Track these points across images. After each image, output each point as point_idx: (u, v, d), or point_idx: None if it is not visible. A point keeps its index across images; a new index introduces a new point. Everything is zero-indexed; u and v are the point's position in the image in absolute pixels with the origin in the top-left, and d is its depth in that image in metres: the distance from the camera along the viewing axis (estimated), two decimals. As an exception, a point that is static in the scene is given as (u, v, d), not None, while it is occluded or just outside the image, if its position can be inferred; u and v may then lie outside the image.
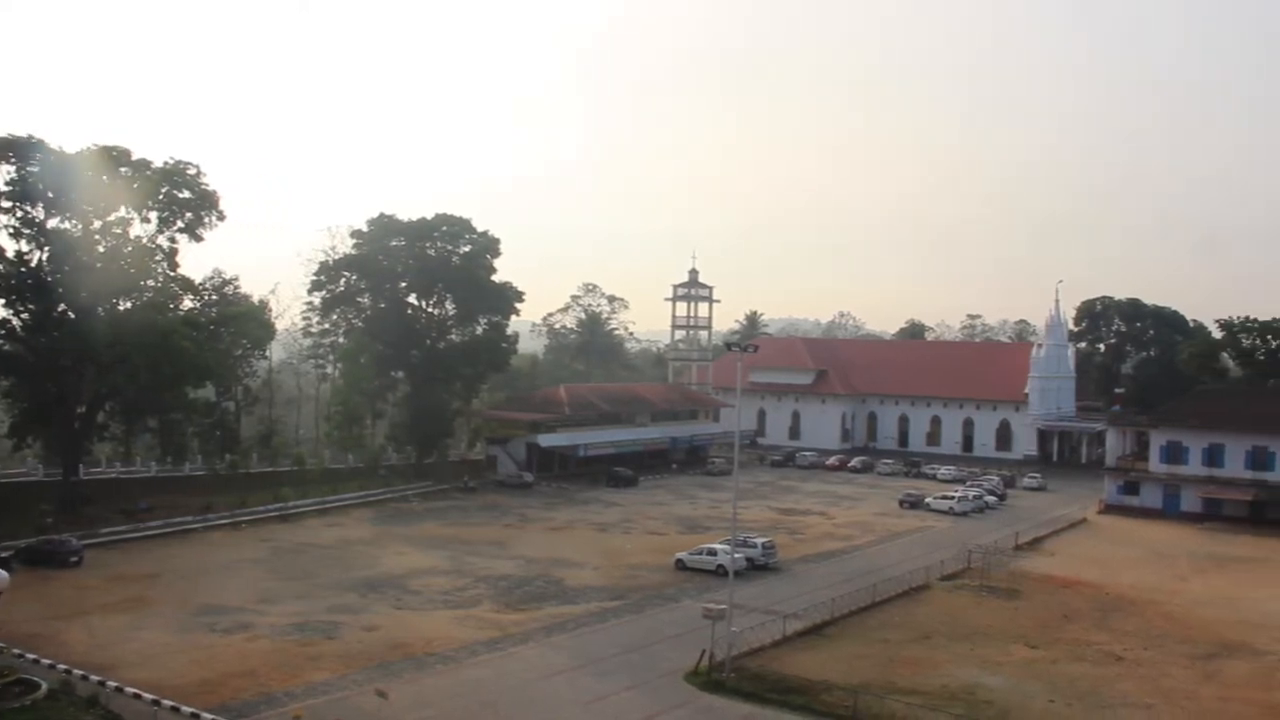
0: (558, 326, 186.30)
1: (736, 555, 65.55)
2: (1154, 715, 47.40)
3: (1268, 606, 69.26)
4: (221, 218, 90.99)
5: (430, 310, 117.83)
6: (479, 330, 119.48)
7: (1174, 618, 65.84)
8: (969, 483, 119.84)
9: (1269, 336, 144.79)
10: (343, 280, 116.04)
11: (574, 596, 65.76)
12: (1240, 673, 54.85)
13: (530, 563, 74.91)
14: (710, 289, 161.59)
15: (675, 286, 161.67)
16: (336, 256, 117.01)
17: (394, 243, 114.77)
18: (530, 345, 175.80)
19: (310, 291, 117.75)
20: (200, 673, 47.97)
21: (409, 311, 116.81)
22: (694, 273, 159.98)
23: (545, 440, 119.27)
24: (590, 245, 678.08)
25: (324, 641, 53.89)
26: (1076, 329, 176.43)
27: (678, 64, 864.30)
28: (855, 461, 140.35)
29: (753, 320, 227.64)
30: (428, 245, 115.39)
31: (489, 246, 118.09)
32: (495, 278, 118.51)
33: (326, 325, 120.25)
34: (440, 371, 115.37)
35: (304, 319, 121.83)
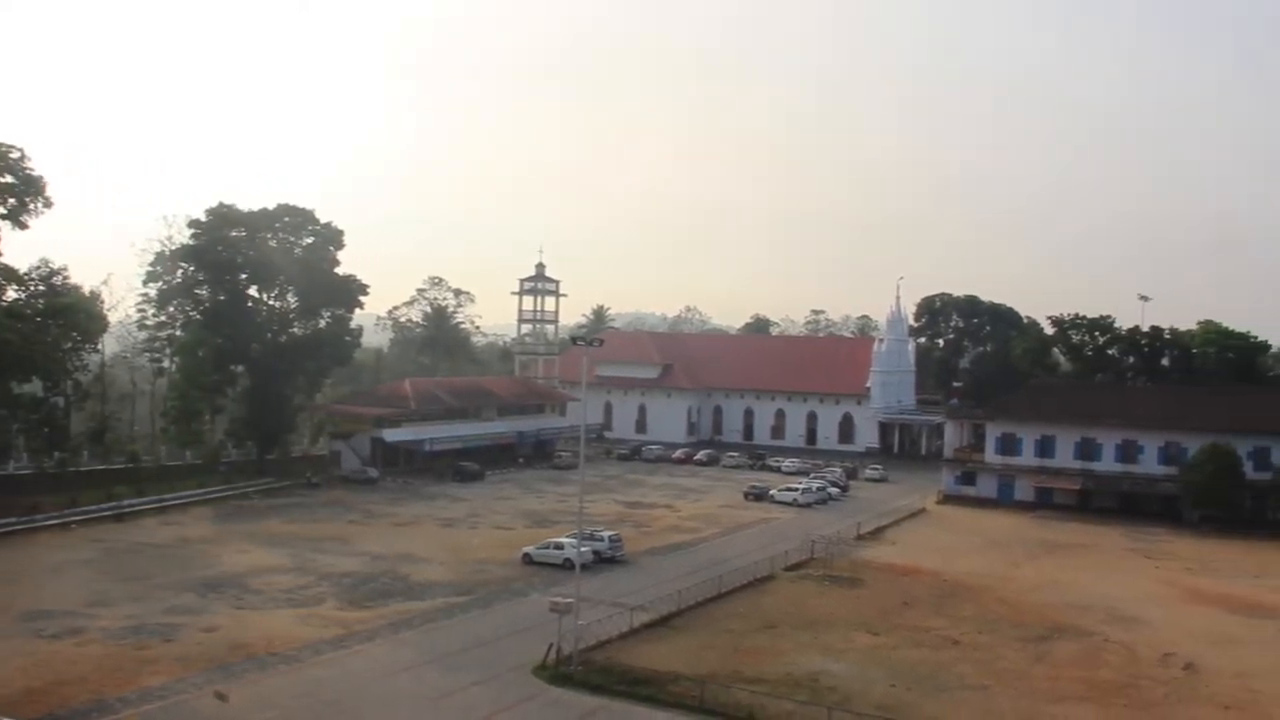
0: (403, 320, 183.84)
1: (583, 549, 65.69)
2: (989, 696, 49.10)
3: (1094, 590, 72.37)
4: (49, 205, 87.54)
5: (272, 303, 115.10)
6: (322, 323, 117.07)
7: (1008, 602, 68.31)
8: (812, 475, 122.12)
9: (1097, 333, 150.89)
10: (180, 271, 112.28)
11: (420, 592, 65.14)
12: (1068, 653, 57.24)
13: (375, 559, 73.90)
14: (557, 283, 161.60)
15: (522, 280, 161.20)
16: (173, 247, 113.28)
17: (234, 234, 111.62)
18: (375, 339, 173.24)
19: (145, 283, 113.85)
20: (26, 681, 45.98)
21: (249, 304, 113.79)
22: (541, 266, 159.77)
23: (390, 435, 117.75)
24: (437, 239, 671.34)
25: (160, 644, 52.24)
26: (916, 324, 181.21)
27: (523, 57, 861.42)
28: (701, 454, 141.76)
29: (599, 314, 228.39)
30: (269, 237, 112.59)
31: (332, 238, 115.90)
32: (339, 270, 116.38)
33: (163, 318, 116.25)
34: (282, 365, 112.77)
35: (139, 311, 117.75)
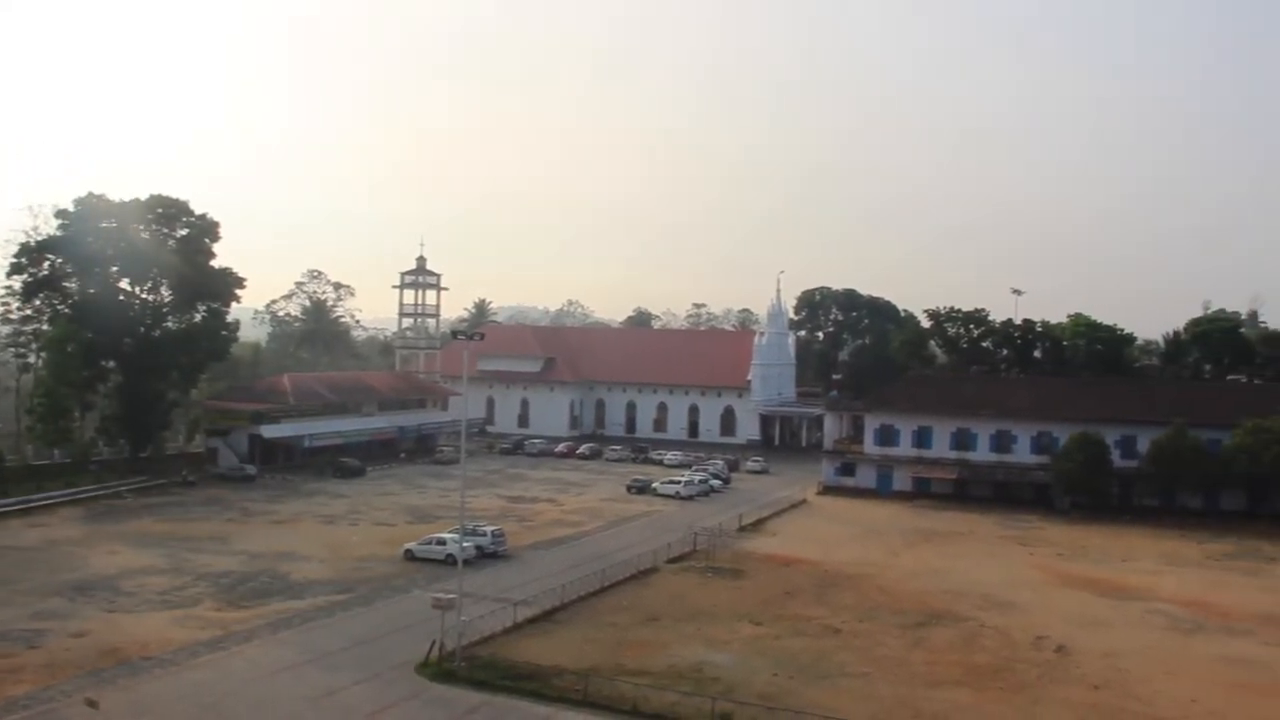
0: (281, 314, 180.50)
1: (466, 544, 65.38)
2: (869, 683, 49.95)
3: (969, 576, 74.06)
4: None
5: (144, 296, 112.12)
6: (197, 317, 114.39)
7: (887, 590, 69.54)
8: (695, 467, 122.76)
9: (972, 326, 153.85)
10: (47, 263, 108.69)
11: (300, 591, 64.09)
12: (945, 638, 58.54)
13: (254, 558, 72.49)
14: (438, 276, 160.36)
15: (403, 274, 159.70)
16: (40, 238, 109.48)
17: (104, 224, 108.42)
18: (253, 333, 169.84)
19: (9, 275, 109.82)
20: (-122, 694, 44.15)
21: (121, 298, 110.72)
22: (422, 260, 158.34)
23: (269, 431, 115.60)
24: (317, 232, 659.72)
25: (25, 651, 50.47)
26: (797, 318, 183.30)
27: (401, 46, 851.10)
28: (584, 448, 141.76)
29: (481, 308, 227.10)
30: (141, 228, 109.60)
31: (207, 230, 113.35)
32: (215, 263, 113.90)
33: (29, 311, 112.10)
34: (156, 360, 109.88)
35: (2, 305, 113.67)
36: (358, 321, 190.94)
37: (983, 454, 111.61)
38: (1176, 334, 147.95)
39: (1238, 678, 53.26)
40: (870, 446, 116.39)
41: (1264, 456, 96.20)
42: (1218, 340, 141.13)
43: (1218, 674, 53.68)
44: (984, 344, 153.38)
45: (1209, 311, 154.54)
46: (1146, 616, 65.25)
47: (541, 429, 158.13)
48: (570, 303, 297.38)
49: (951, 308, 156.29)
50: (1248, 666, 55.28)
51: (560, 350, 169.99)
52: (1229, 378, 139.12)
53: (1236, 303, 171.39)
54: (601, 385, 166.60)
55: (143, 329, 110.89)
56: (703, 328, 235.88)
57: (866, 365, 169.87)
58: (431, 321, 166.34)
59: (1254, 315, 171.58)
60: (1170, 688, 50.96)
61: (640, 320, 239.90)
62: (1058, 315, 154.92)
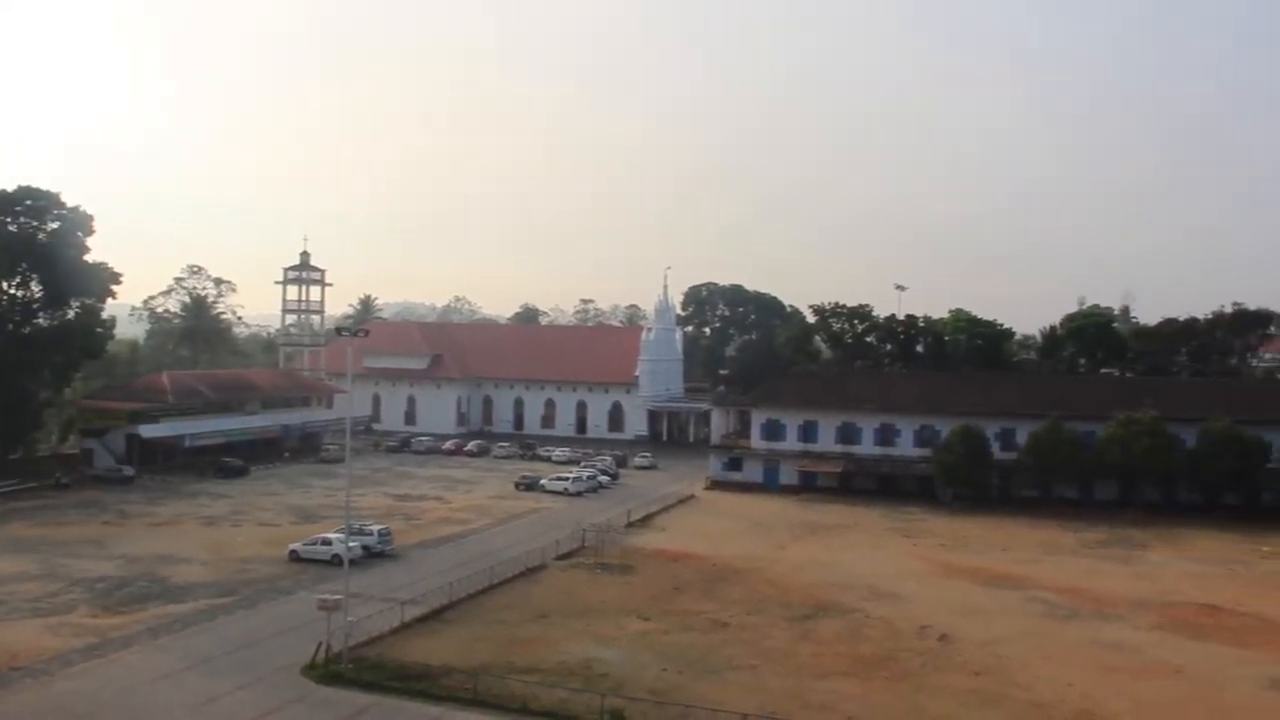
0: (160, 310, 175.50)
1: (352, 544, 64.57)
2: (757, 675, 50.45)
3: (855, 569, 75.12)
4: None
5: (13, 292, 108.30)
6: (70, 314, 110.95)
7: (774, 583, 70.25)
8: (583, 464, 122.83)
9: (856, 321, 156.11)
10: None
11: (181, 594, 62.59)
12: (832, 630, 59.37)
13: (132, 561, 70.60)
14: (322, 272, 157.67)
15: (286, 269, 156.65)
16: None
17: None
18: (130, 330, 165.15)
19: None
20: None
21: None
22: (305, 255, 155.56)
23: (147, 431, 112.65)
24: (196, 227, 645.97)
25: (-115, 666, 48.48)
26: (684, 314, 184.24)
27: (279, 38, 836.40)
28: (471, 445, 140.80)
29: (367, 304, 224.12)
30: (9, 221, 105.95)
31: (80, 223, 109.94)
32: (89, 257, 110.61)
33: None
34: (26, 358, 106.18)
35: None
36: (240, 318, 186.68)
37: (867, 447, 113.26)
38: (1053, 329, 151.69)
39: (1111, 661, 54.92)
40: (757, 441, 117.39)
41: (1135, 448, 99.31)
42: (1092, 335, 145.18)
43: (1092, 658, 55.33)
44: (868, 339, 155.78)
45: (1084, 308, 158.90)
46: (1025, 604, 66.89)
47: (428, 426, 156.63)
48: (457, 299, 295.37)
49: (836, 303, 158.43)
50: (1120, 650, 57.01)
51: (447, 347, 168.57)
52: (1102, 371, 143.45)
53: (1110, 299, 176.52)
54: (489, 382, 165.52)
55: (11, 326, 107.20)
56: (590, 324, 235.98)
57: (753, 361, 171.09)
58: (316, 318, 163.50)
59: (1126, 311, 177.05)
60: (1048, 672, 52.39)
61: (528, 316, 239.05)
62: (939, 311, 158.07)
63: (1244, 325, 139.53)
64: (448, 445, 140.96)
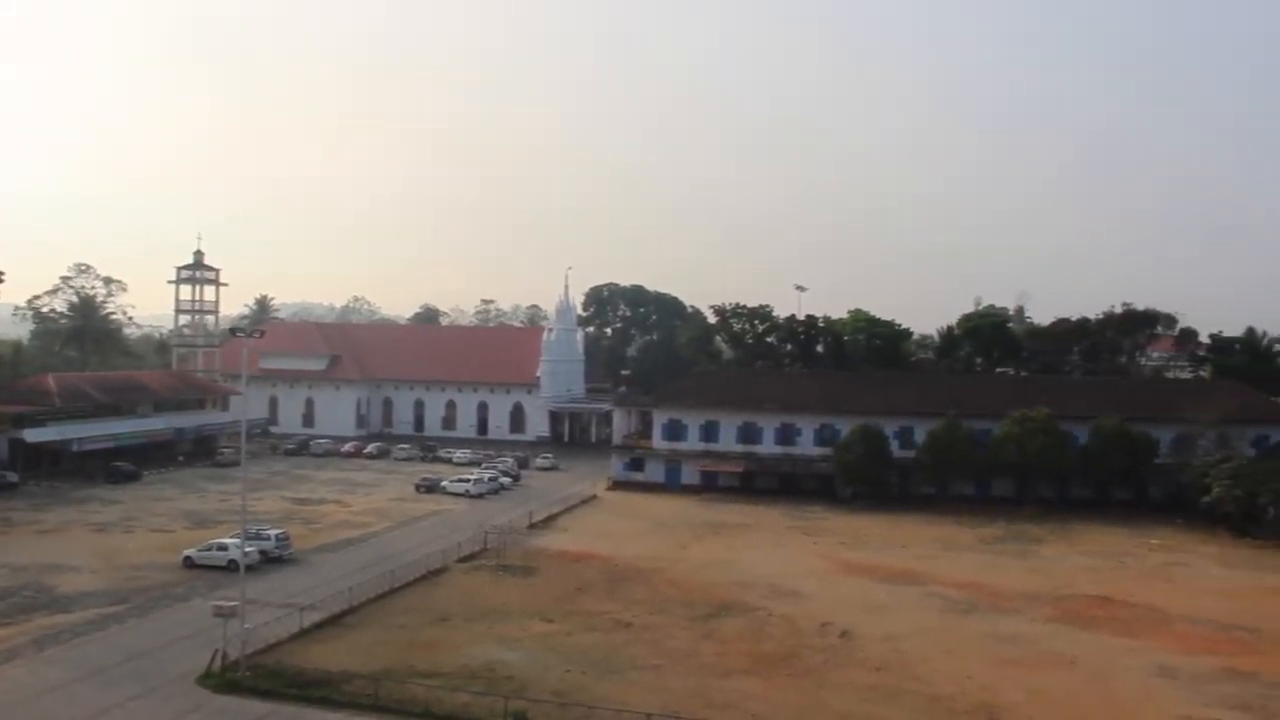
0: (45, 310, 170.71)
1: (249, 548, 63.40)
2: (661, 675, 50.45)
3: (757, 568, 75.59)
4: None
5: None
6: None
7: (677, 583, 70.38)
8: (484, 465, 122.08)
9: (756, 321, 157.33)
10: None
11: (69, 604, 60.73)
12: (735, 628, 59.64)
13: (16, 571, 68.26)
14: (217, 271, 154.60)
15: (179, 268, 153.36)
16: None
17: None
18: (13, 330, 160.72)
19: None
20: None
21: None
22: (199, 254, 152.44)
23: (32, 435, 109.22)
24: (84, 225, 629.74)
25: None
26: (585, 314, 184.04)
27: (170, 34, 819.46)
28: (371, 447, 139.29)
29: (263, 304, 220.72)
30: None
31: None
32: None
33: None
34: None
35: None
36: (131, 319, 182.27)
37: (768, 447, 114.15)
38: (950, 329, 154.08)
39: (1008, 654, 56.04)
40: (659, 441, 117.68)
41: (1029, 445, 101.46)
42: (987, 335, 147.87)
43: (989, 651, 56.38)
44: (768, 339, 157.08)
45: (980, 308, 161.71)
46: (924, 600, 67.89)
47: (327, 428, 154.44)
48: (356, 299, 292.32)
49: (737, 304, 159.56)
50: (1016, 643, 58.16)
51: (346, 348, 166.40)
52: (998, 370, 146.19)
53: (1005, 299, 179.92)
54: (389, 383, 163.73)
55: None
56: (491, 324, 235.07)
57: (655, 361, 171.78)
58: (210, 318, 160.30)
59: (1020, 311, 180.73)
60: (947, 666, 53.22)
61: (428, 317, 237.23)
62: (839, 311, 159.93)
63: (1133, 325, 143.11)
64: (347, 447, 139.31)
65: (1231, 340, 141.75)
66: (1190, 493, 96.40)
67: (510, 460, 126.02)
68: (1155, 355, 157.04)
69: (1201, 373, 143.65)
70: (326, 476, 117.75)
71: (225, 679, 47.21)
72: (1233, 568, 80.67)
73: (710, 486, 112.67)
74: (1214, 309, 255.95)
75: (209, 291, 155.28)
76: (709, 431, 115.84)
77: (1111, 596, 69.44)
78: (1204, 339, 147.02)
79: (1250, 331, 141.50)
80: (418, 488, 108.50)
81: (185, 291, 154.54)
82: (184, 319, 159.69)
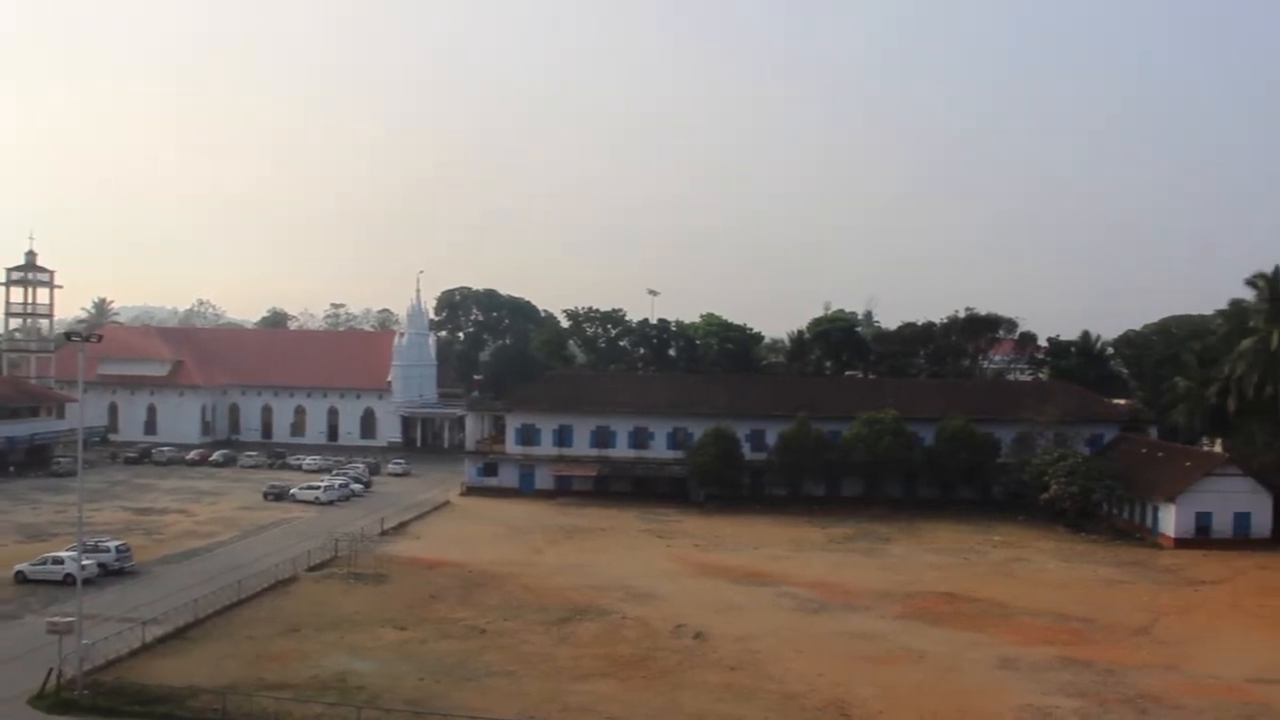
0: None
1: (87, 561, 61.15)
2: (516, 681, 50.22)
3: (611, 571, 75.81)
4: None
5: None
6: None
7: (531, 588, 70.14)
8: (335, 472, 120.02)
9: (609, 325, 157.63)
10: None
11: (-112, 625, 57.82)
12: (590, 632, 59.71)
13: None
14: (51, 273, 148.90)
15: (9, 269, 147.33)
16: None
17: None
18: None
19: None
20: None
21: None
22: (31, 254, 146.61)
23: None
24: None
25: None
26: (437, 318, 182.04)
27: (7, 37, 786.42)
28: (217, 455, 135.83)
29: (101, 308, 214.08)
30: None
31: None
32: None
33: None
34: None
35: None
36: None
37: (622, 450, 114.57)
38: (800, 333, 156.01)
39: (858, 650, 57.21)
40: (512, 446, 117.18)
41: (877, 446, 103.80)
42: (837, 338, 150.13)
43: (841, 648, 57.50)
44: (622, 343, 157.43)
45: (829, 312, 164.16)
46: (777, 599, 68.85)
47: (171, 436, 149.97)
48: (201, 303, 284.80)
49: (590, 308, 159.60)
50: (866, 639, 59.43)
51: (190, 353, 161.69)
52: (847, 373, 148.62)
53: (854, 303, 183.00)
54: (235, 389, 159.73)
55: None
56: (342, 328, 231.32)
57: (508, 365, 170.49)
58: (44, 322, 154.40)
59: (869, 315, 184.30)
60: (799, 665, 54.03)
61: (275, 320, 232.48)
62: (692, 315, 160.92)
63: (976, 329, 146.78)
64: (192, 455, 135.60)
65: (1068, 344, 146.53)
66: (1030, 490, 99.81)
67: (361, 466, 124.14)
68: (997, 358, 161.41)
69: (1040, 375, 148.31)
70: (170, 485, 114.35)
71: (60, 698, 45.41)
72: (1069, 561, 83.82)
73: (564, 490, 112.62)
74: (1052, 314, 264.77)
75: (43, 294, 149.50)
76: (562, 435, 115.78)
77: (957, 592, 71.50)
78: (1042, 343, 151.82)
79: (1085, 335, 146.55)
80: (266, 495, 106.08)
81: (16, 294, 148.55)
82: (15, 323, 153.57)
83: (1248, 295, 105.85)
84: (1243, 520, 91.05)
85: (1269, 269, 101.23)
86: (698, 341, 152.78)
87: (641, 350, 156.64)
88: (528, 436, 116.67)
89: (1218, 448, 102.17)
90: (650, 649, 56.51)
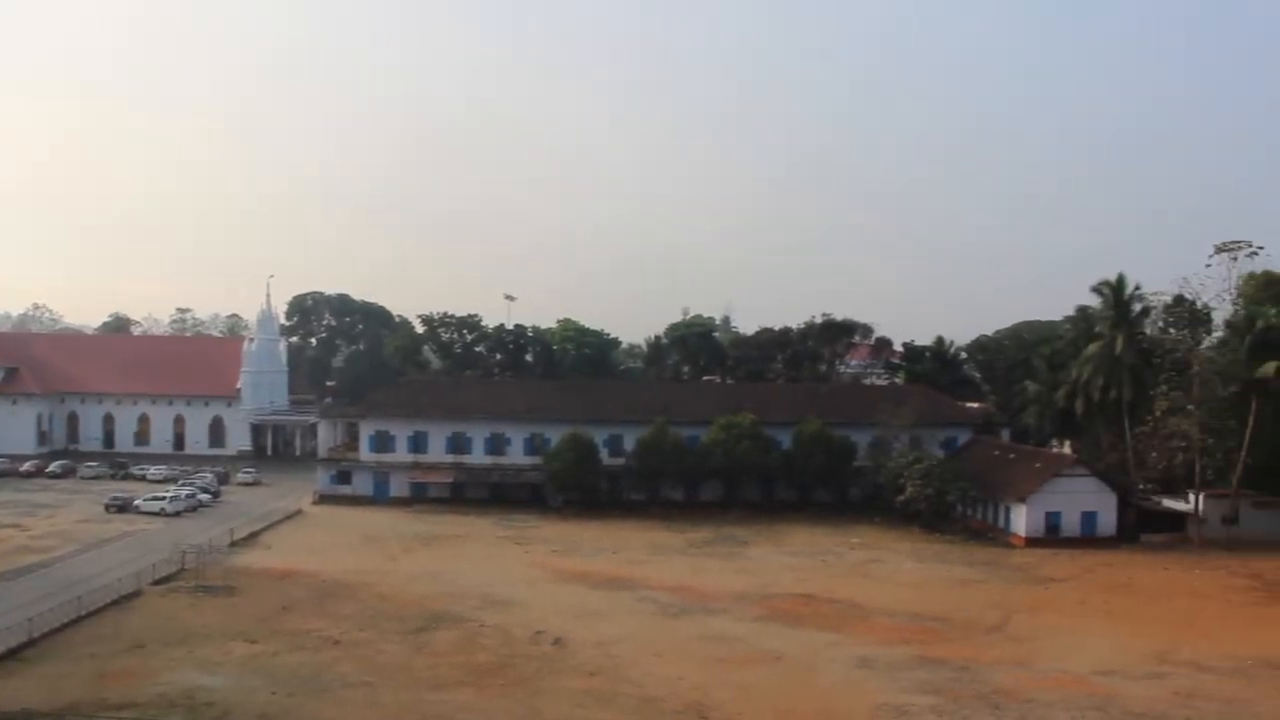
0: None
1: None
2: (372, 692, 49.25)
3: (468, 578, 74.99)
4: None
5: None
6: None
7: (387, 597, 69.01)
8: (181, 482, 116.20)
9: (465, 331, 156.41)
10: None
11: None
12: (447, 641, 58.95)
13: None
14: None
15: None
16: None
17: None
18: None
19: None
20: None
21: None
22: None
23: None
24: None
25: None
26: (288, 323, 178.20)
27: None
28: (55, 466, 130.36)
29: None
30: None
31: None
32: None
33: None
34: None
35: None
36: None
37: (478, 456, 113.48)
38: (658, 338, 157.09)
39: (717, 653, 57.56)
40: (366, 453, 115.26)
41: (735, 450, 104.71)
42: (694, 344, 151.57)
43: (700, 651, 57.77)
44: (477, 349, 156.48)
45: (687, 317, 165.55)
46: (636, 604, 68.88)
47: (4, 447, 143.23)
48: (37, 307, 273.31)
49: (445, 313, 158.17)
50: (725, 642, 59.82)
51: (25, 359, 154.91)
52: (705, 378, 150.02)
53: (712, 308, 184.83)
54: (74, 397, 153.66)
55: None
56: (188, 334, 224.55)
57: (361, 371, 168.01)
58: None
59: (726, 320, 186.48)
60: (659, 668, 54.14)
61: (118, 326, 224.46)
62: (549, 321, 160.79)
63: (832, 334, 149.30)
64: (26, 466, 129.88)
65: (922, 349, 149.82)
66: (886, 492, 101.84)
67: (210, 476, 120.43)
68: (853, 363, 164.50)
69: (896, 379, 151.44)
70: (3, 499, 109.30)
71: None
72: (924, 562, 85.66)
73: (420, 498, 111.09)
74: (907, 320, 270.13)
75: None
76: (417, 442, 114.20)
77: (815, 594, 72.50)
78: (898, 348, 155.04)
79: (939, 340, 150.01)
80: (108, 507, 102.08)
81: None
82: None
83: (1094, 302, 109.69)
84: (1089, 519, 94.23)
85: (1113, 277, 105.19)
86: (554, 347, 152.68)
87: (498, 356, 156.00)
88: (382, 443, 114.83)
89: (1066, 449, 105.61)
90: (509, 656, 55.96)
